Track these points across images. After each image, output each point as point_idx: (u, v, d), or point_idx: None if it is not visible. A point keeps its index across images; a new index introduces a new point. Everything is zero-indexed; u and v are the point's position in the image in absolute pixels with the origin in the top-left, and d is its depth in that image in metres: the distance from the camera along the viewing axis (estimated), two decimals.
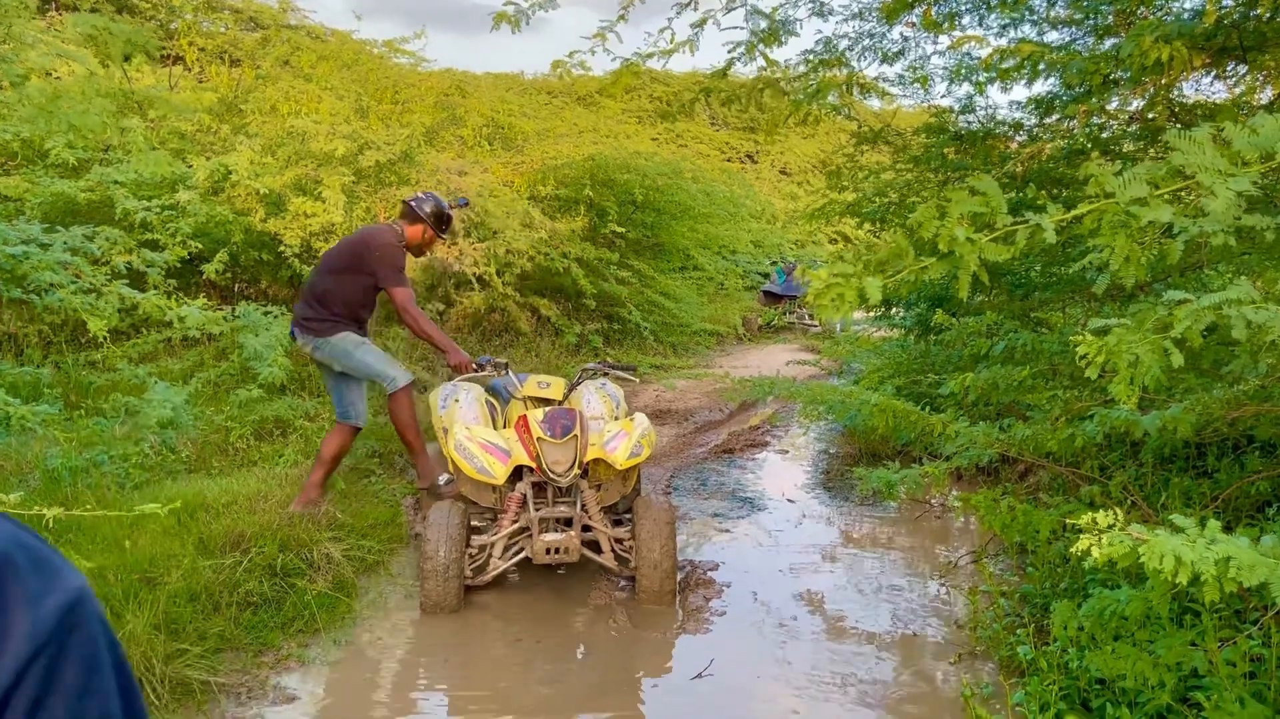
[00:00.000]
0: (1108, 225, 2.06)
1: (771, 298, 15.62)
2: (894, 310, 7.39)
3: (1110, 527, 1.80)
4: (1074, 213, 1.80)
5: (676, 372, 11.06)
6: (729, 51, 4.06)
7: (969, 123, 5.38)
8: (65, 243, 3.82)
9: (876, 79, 5.30)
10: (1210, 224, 2.02)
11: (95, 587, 3.86)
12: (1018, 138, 5.40)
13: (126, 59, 11.47)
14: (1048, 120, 4.81)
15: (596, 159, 11.07)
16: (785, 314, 15.84)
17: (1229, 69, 3.53)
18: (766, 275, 16.77)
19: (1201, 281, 4.15)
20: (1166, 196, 1.79)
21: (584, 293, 10.80)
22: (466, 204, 5.99)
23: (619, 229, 11.33)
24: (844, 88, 4.27)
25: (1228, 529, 3.95)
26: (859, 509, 6.51)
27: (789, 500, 6.69)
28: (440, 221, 5.44)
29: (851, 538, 6.04)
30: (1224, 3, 3.24)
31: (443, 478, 5.39)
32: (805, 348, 13.25)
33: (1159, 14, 3.66)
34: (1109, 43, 4.32)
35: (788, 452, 8.25)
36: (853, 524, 6.27)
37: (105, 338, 3.56)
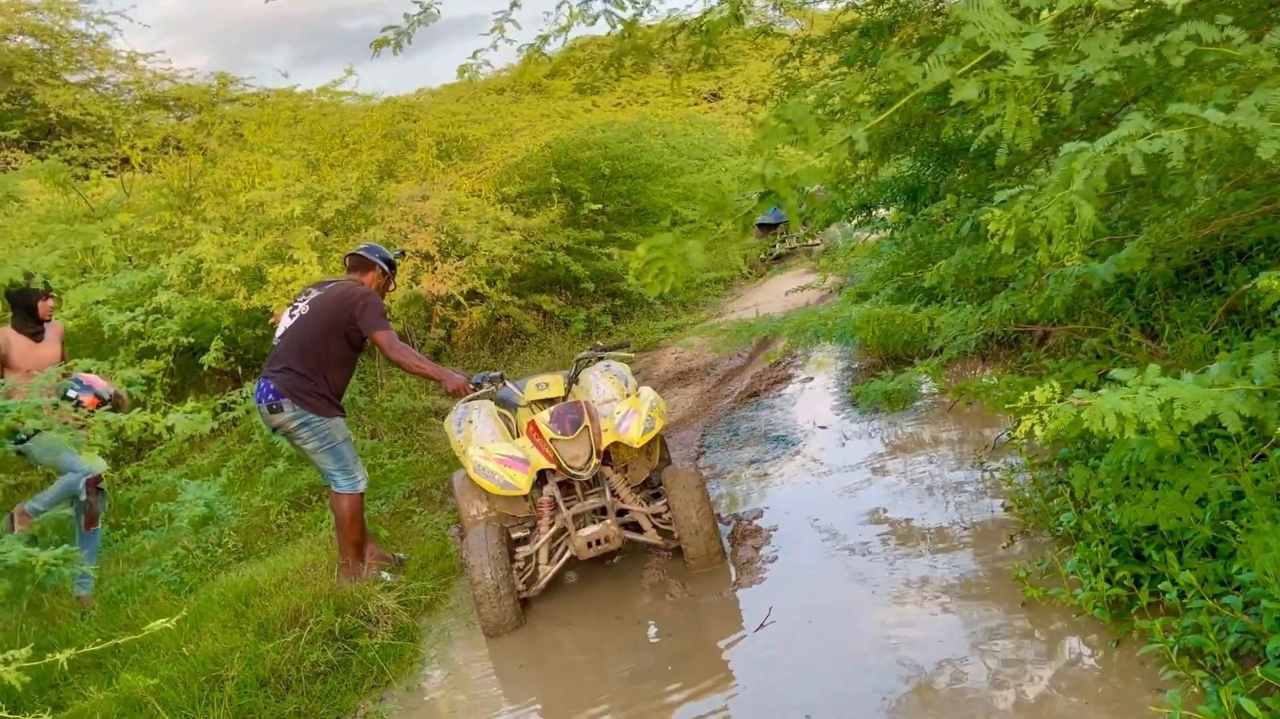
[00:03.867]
0: (993, 94, 2.01)
1: (766, 228, 15.49)
2: (876, 213, 7.29)
3: (1049, 401, 1.77)
4: (883, 115, 1.75)
5: (690, 329, 11.03)
6: (592, 23, 4.01)
7: (890, 10, 5.26)
8: (41, 385, 3.89)
9: None
10: (1091, 65, 1.97)
11: (164, 700, 3.95)
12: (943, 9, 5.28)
13: (85, 178, 11.60)
14: None
15: (554, 145, 11.01)
16: (782, 240, 15.71)
17: None
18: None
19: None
20: (970, 73, 1.73)
21: (580, 278, 10.79)
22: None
23: (595, 206, 11.29)
24: (735, 20, 4.19)
25: (1249, 338, 3.87)
26: (894, 416, 6.46)
27: (820, 428, 6.66)
28: (391, 266, 5.53)
29: (895, 446, 6.01)
30: None
31: (386, 575, 5.32)
32: (810, 270, 13.14)
33: None
34: None
35: (812, 379, 8.20)
36: (891, 432, 6.23)
37: (108, 466, 3.62)
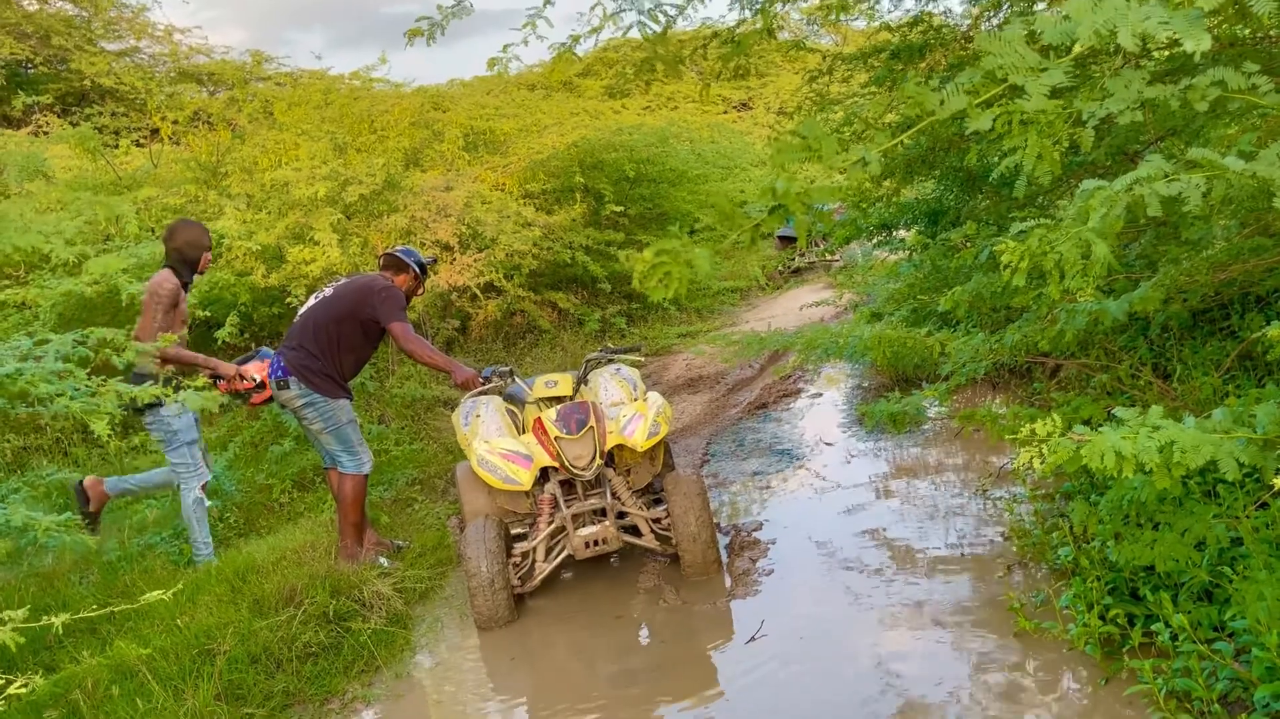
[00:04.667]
0: (1016, 127, 2.01)
1: (786, 241, 15.47)
2: (896, 233, 7.29)
3: (1050, 434, 1.77)
4: (897, 138, 1.76)
5: (703, 336, 11.03)
6: (623, 34, 4.02)
7: (923, 34, 5.26)
8: (57, 350, 3.91)
9: (821, 6, 5.19)
10: (1115, 104, 1.97)
11: (155, 670, 3.98)
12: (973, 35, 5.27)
13: (115, 146, 11.69)
14: (991, 18, 4.69)
15: (581, 144, 11.04)
16: (801, 254, 15.70)
17: None
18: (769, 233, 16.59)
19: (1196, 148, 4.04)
20: (990, 103, 1.74)
21: (597, 278, 10.81)
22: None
23: (618, 208, 11.31)
24: (767, 33, 4.20)
25: (1260, 386, 3.86)
26: (899, 439, 6.46)
27: (827, 444, 6.66)
28: (423, 270, 5.59)
29: (899, 467, 6.01)
30: None
31: (383, 561, 5.34)
32: (827, 286, 13.13)
33: None
34: None
35: (821, 394, 8.20)
36: (896, 454, 6.23)
37: (109, 434, 3.64)
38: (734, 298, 13.68)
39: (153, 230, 8.97)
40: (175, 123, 10.11)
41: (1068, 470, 1.71)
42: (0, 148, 8.95)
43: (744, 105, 28.14)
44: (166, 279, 5.31)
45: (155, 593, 2.45)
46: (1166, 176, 1.78)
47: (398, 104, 10.93)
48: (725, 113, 25.92)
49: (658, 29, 3.81)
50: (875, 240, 7.43)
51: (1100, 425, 2.05)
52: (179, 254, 5.38)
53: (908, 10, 5.31)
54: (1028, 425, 1.80)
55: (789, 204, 1.83)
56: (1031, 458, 1.77)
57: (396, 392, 8.18)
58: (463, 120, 11.12)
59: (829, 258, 15.42)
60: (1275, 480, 1.58)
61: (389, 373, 8.63)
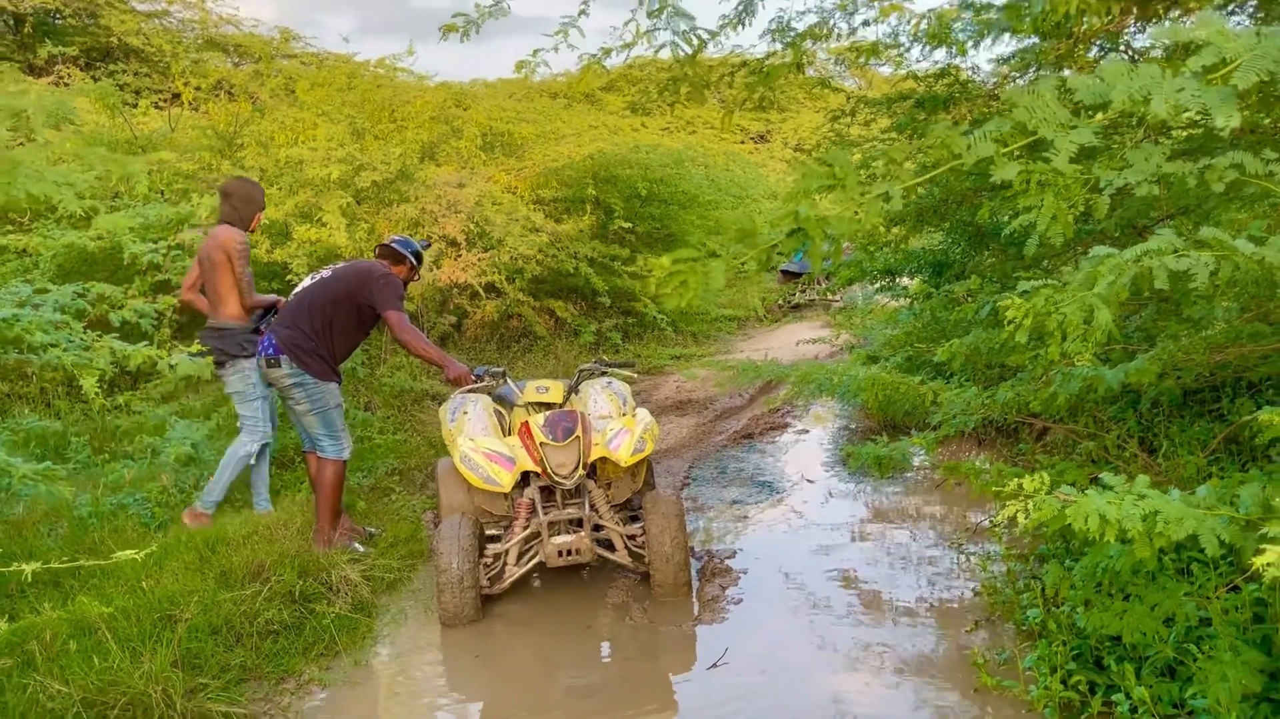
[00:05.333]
0: (1034, 186, 2.04)
1: (789, 276, 15.55)
2: (899, 281, 7.34)
3: (1037, 491, 1.79)
4: (921, 178, 1.79)
5: (697, 360, 11.06)
6: (655, 53, 4.06)
7: (949, 87, 5.32)
8: (56, 301, 3.91)
9: (851, 48, 5.24)
10: (1134, 175, 2.00)
11: (115, 629, 3.96)
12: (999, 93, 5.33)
13: (134, 106, 11.70)
14: (1018, 79, 4.75)
15: (596, 157, 11.09)
16: (802, 291, 15.77)
17: (1163, 16, 3.46)
18: (784, 254, 16.66)
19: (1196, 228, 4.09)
20: (1016, 153, 1.77)
21: (598, 291, 10.83)
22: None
23: (626, 224, 11.36)
24: (795, 68, 4.24)
25: (1244, 470, 3.89)
26: (881, 483, 6.47)
27: (808, 481, 6.67)
28: (419, 260, 5.63)
29: (877, 512, 6.02)
30: None
31: (356, 546, 5.32)
32: (825, 324, 13.17)
33: None
34: None
35: (808, 431, 8.22)
36: (876, 499, 6.25)
37: (97, 392, 3.63)
38: (731, 326, 13.72)
39: (161, 193, 8.98)
40: (198, 89, 10.13)
41: (1050, 529, 1.73)
42: (23, 94, 8.92)
43: (761, 138, 28.31)
44: (235, 234, 5.43)
45: (128, 552, 2.44)
46: (1176, 252, 1.81)
47: (420, 96, 10.98)
48: (742, 143, 26.07)
49: (689, 50, 3.84)
50: (878, 285, 7.48)
51: (1084, 490, 2.07)
52: (235, 210, 5.49)
53: (935, 62, 5.36)
54: (1015, 480, 1.82)
55: (809, 229, 1.85)
56: (1016, 512, 1.78)
57: (386, 381, 8.17)
58: (482, 120, 11.17)
59: (829, 297, 15.50)
60: (1253, 561, 1.60)
61: (380, 361, 8.63)
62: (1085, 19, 2.97)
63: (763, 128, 28.10)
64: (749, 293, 14.57)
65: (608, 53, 4.47)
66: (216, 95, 10.72)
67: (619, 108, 19.37)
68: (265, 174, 8.71)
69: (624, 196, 11.33)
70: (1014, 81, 4.98)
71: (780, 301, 15.69)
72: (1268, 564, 1.66)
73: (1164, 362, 2.74)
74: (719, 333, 13.18)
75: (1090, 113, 1.73)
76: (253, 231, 5.66)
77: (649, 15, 3.71)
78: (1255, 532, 1.69)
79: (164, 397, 7.79)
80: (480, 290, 9.44)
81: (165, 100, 12.16)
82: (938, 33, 3.76)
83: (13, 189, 3.09)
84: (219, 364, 5.37)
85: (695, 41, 3.79)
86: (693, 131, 23.48)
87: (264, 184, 8.68)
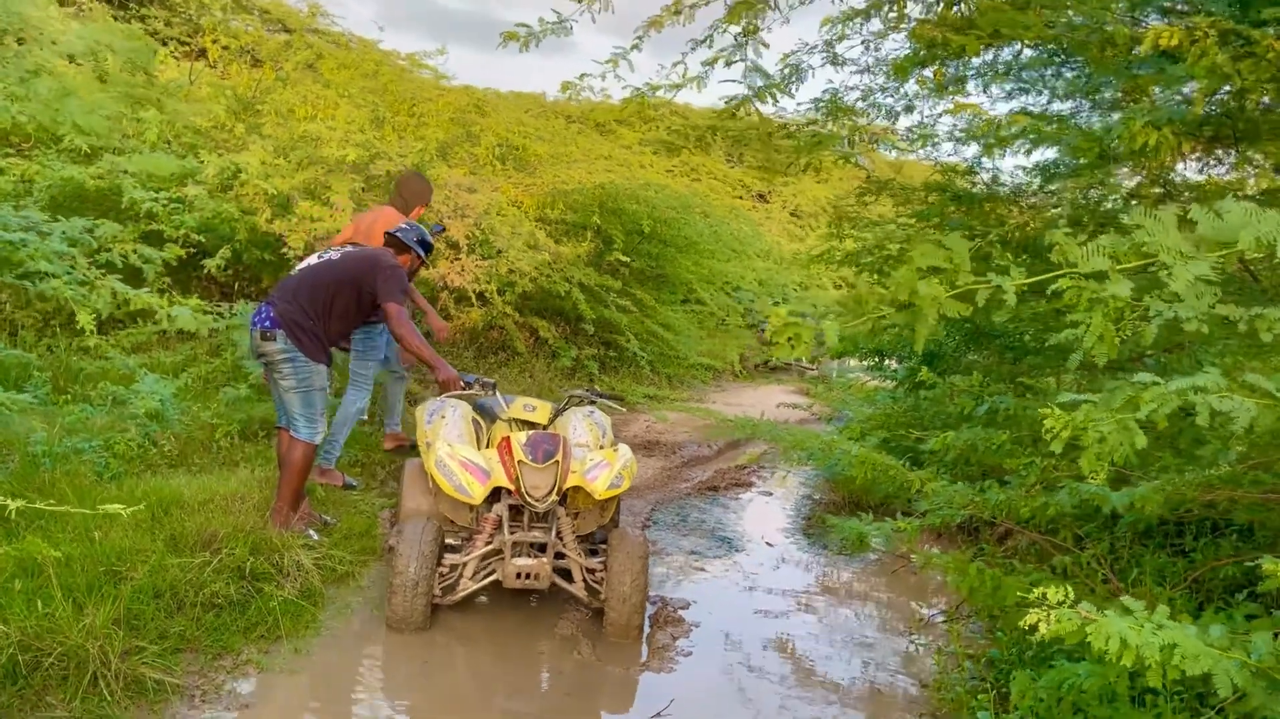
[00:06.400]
0: (1084, 302, 2.07)
1: None
2: (887, 362, 7.40)
3: (1060, 603, 1.80)
4: (1033, 279, 1.82)
5: (669, 403, 11.06)
6: (726, 103, 4.09)
7: (972, 184, 5.41)
8: (64, 233, 3.84)
9: (886, 130, 5.33)
10: (1185, 310, 2.03)
11: (61, 577, 3.85)
12: (1025, 202, 5.42)
13: (154, 53, 11.59)
14: (1051, 188, 4.84)
15: (607, 187, 11.13)
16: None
17: (1223, 156, 3.56)
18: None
19: (1197, 360, 4.16)
20: (1128, 272, 1.81)
21: (584, 317, 10.81)
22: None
23: (624, 258, 11.38)
24: (847, 141, 4.30)
25: (1200, 610, 3.94)
26: (837, 558, 6.48)
27: (768, 544, 6.67)
28: (425, 249, 5.70)
29: (827, 587, 6.02)
30: (1219, 92, 3.27)
31: (312, 533, 5.25)
32: (799, 390, 13.25)
33: (1162, 96, 3.69)
34: (1115, 116, 4.34)
35: (771, 494, 8.23)
36: (829, 573, 6.25)
37: (92, 329, 3.55)
38: (706, 375, 13.73)
39: (169, 143, 8.88)
40: (225, 48, 10.07)
41: (1068, 643, 1.74)
42: (47, 19, 8.80)
43: (761, 197, 28.54)
44: (399, 217, 6.22)
45: (116, 505, 2.38)
46: (1221, 392, 1.84)
47: (442, 96, 10.98)
48: (741, 198, 26.27)
49: (761, 106, 3.89)
50: (866, 363, 7.53)
51: (1073, 605, 2.08)
52: (402, 198, 6.50)
53: (965, 159, 5.45)
54: (1039, 589, 1.84)
55: (924, 306, 1.87)
56: (1039, 620, 1.80)
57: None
58: (500, 130, 11.18)
59: (805, 364, 15.60)
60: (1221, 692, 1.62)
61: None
62: (1154, 153, 3.04)
63: (765, 187, 28.32)
64: (729, 346, 14.62)
65: (655, 89, 4.49)
66: (241, 58, 10.66)
67: (631, 142, 19.47)
68: (279, 144, 8.65)
69: (626, 230, 11.35)
70: (1040, 190, 5.07)
71: (758, 363, 15.76)
72: None
73: (1167, 492, 2.78)
74: (694, 380, 13.18)
75: (1204, 246, 1.76)
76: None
77: (726, 64, 3.75)
78: (1264, 680, 1.71)
79: (134, 346, 7.65)
80: (471, 296, 9.40)
81: (188, 54, 12.07)
82: (990, 134, 3.83)
83: (59, 116, 3.03)
84: None
85: (769, 100, 3.84)
86: (696, 179, 23.65)
87: (276, 155, 8.62)
